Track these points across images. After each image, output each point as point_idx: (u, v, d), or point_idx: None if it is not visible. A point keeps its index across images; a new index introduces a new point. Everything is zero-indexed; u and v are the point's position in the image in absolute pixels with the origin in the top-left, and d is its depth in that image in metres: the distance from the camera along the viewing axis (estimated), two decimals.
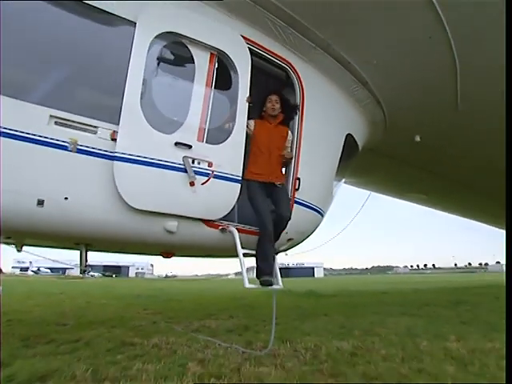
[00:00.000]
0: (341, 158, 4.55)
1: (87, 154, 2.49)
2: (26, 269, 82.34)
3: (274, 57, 3.61)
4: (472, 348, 3.37)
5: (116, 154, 2.54)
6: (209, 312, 6.77)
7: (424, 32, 3.72)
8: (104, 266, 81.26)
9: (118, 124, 2.57)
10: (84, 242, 2.93)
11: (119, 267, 79.43)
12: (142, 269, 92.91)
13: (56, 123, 2.44)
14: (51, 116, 2.42)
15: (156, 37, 2.79)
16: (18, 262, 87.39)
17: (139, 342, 3.90)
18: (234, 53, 3.19)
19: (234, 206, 3.08)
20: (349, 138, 4.63)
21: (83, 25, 2.65)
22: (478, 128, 5.49)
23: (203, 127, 2.90)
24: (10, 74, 2.36)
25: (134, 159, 2.58)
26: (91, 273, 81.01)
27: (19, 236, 2.86)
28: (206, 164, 2.87)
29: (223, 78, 3.12)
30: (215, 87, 3.04)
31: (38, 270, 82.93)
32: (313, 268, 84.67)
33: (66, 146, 2.44)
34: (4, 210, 2.30)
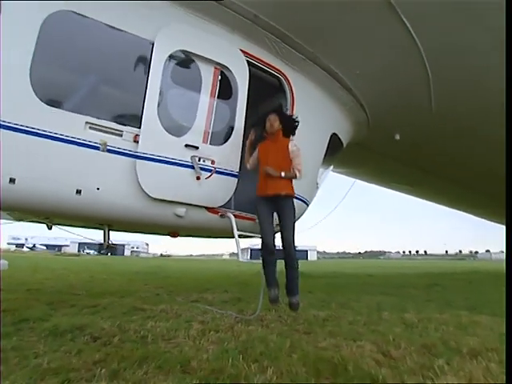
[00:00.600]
0: (326, 153, 5.19)
1: (114, 153, 3.10)
2: (22, 245, 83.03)
3: (269, 67, 4.18)
4: (423, 317, 4.10)
5: (138, 154, 3.15)
6: (206, 287, 7.50)
7: (398, 46, 4.31)
8: (100, 244, 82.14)
9: (139, 128, 3.17)
10: (108, 224, 3.57)
11: (114, 246, 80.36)
12: (137, 248, 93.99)
13: (90, 128, 3.04)
14: (86, 122, 3.02)
15: (170, 54, 3.37)
16: (14, 238, 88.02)
17: (148, 308, 4.59)
18: (233, 66, 3.76)
19: (231, 196, 3.72)
20: (334, 137, 5.25)
21: (113, 45, 3.22)
22: (451, 127, 6.14)
23: (208, 131, 3.51)
24: (56, 87, 2.95)
25: (152, 158, 3.20)
26: (87, 250, 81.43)
27: (59, 218, 3.49)
28: (210, 162, 3.50)
29: (225, 87, 3.71)
30: (218, 96, 3.63)
31: (34, 246, 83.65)
32: (306, 251, 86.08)
33: (98, 147, 3.05)
34: (49, 197, 2.93)
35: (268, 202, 3.50)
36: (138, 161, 3.15)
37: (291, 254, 3.50)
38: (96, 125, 3.05)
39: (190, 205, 3.46)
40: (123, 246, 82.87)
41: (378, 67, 4.63)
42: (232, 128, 3.69)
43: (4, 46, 2.71)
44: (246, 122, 3.79)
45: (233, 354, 2.36)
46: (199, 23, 3.62)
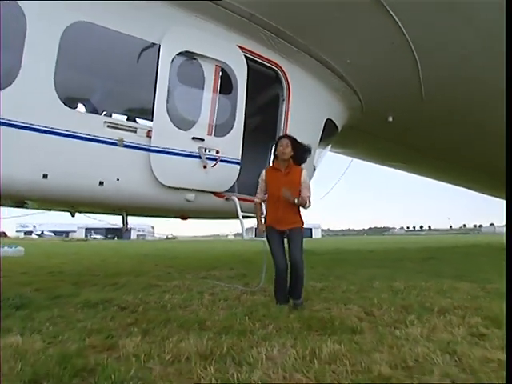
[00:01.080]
0: (322, 137, 5.57)
1: (130, 148, 3.51)
2: (30, 232, 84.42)
3: (265, 60, 4.51)
4: (409, 285, 4.58)
5: (151, 147, 3.56)
6: (213, 265, 8.04)
7: (386, 38, 4.61)
8: (106, 228, 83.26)
9: (151, 125, 3.57)
10: (127, 210, 4.02)
11: (120, 229, 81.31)
12: (143, 231, 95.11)
13: (108, 126, 3.43)
14: (104, 122, 3.41)
15: (175, 55, 3.71)
16: (22, 226, 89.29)
17: (162, 284, 5.10)
18: (232, 62, 4.10)
19: (234, 182, 4.15)
20: (329, 122, 5.62)
21: (124, 50, 3.58)
22: (441, 113, 6.48)
23: (212, 124, 3.90)
24: (76, 91, 3.33)
25: (164, 150, 3.60)
26: (93, 235, 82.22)
27: (84, 206, 3.94)
28: (215, 152, 3.90)
29: (226, 82, 4.06)
30: (220, 91, 4.00)
31: (42, 233, 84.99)
32: (311, 229, 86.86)
33: (116, 143, 3.45)
34: (76, 189, 3.36)
35: (279, 232, 3.49)
36: (152, 154, 3.56)
37: (300, 268, 3.40)
38: (113, 123, 3.45)
39: (199, 191, 3.89)
40: (129, 229, 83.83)
41: (368, 57, 4.94)
42: (234, 120, 4.07)
43: (30, 57, 3.08)
44: (245, 112, 4.16)
45: (240, 316, 2.84)
46: (199, 24, 3.94)
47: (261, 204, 3.71)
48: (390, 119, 6.49)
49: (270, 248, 3.52)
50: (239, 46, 4.20)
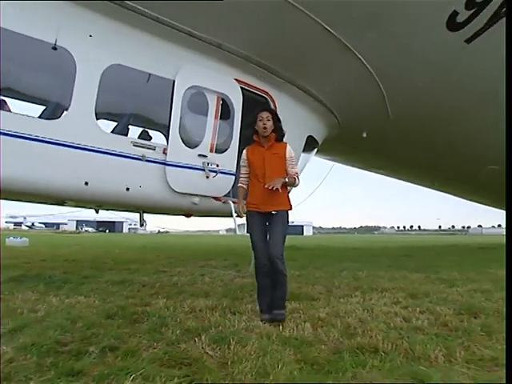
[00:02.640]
0: (304, 150, 6.66)
1: (150, 162, 4.53)
2: (20, 224, 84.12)
3: (257, 90, 5.54)
4: (370, 274, 5.68)
5: (166, 162, 4.58)
6: (209, 257, 9.11)
7: (356, 72, 5.68)
8: (98, 221, 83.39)
9: (167, 144, 4.59)
10: (144, 210, 5.05)
11: (113, 223, 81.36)
12: (134, 224, 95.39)
13: (134, 145, 4.44)
14: (131, 142, 4.43)
15: (186, 89, 4.72)
16: (11, 217, 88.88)
17: (168, 270, 6.16)
18: (230, 93, 5.12)
19: (230, 189, 5.18)
20: (310, 138, 6.69)
21: (148, 85, 4.59)
22: (407, 128, 7.63)
23: (213, 143, 4.93)
24: (111, 118, 4.35)
25: (176, 164, 4.63)
26: (85, 228, 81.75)
27: (113, 207, 4.95)
28: (215, 165, 4.93)
29: (225, 109, 5.09)
30: (220, 117, 5.02)
31: (33, 225, 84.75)
32: (302, 226, 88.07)
33: (140, 158, 4.46)
34: (109, 193, 4.38)
35: (263, 218, 3.10)
36: (167, 167, 4.59)
37: (282, 269, 2.94)
38: (138, 143, 4.47)
39: (202, 196, 4.92)
40: (122, 223, 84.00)
41: (341, 86, 6.00)
42: (231, 139, 5.09)
43: (78, 93, 4.07)
44: (240, 133, 5.19)
45: (234, 289, 3.91)
46: (205, 62, 4.95)
47: (244, 189, 3.35)
48: (364, 135, 7.59)
49: (251, 237, 3.12)
50: (236, 79, 5.22)
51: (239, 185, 3.44)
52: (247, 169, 3.33)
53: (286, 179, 3.08)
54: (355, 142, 8.49)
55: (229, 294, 3.69)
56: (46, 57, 4.24)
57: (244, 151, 3.42)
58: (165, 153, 4.60)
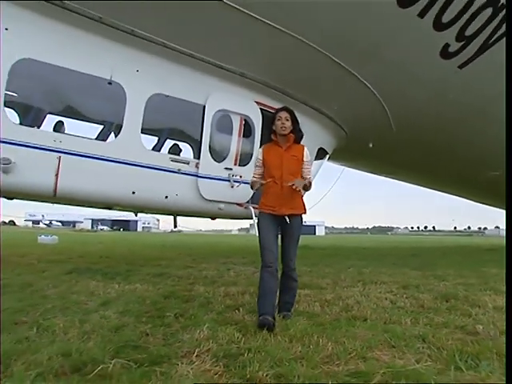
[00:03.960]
0: (316, 159, 7.48)
1: (185, 174, 5.40)
2: (38, 222, 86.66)
3: (274, 109, 6.33)
4: (373, 270, 6.46)
5: (198, 174, 5.45)
6: (227, 255, 9.99)
7: (361, 92, 6.46)
8: (112, 220, 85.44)
9: (199, 160, 5.46)
10: (178, 214, 5.94)
11: (127, 221, 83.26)
12: (148, 223, 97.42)
13: (171, 160, 5.33)
14: (170, 158, 5.32)
15: (215, 112, 5.59)
16: (30, 215, 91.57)
17: (195, 266, 7.04)
18: (251, 114, 5.96)
19: (250, 197, 6.03)
20: (321, 149, 7.50)
21: (184, 110, 5.48)
22: (409, 138, 8.38)
23: (237, 158, 5.78)
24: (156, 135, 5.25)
25: (206, 176, 5.49)
26: (100, 226, 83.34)
27: (153, 212, 5.86)
28: (239, 176, 5.78)
29: (247, 128, 5.93)
30: (243, 135, 5.87)
31: (50, 223, 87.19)
32: (314, 226, 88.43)
33: (176, 171, 5.34)
34: (151, 200, 5.27)
35: (276, 220, 3.02)
36: (199, 178, 5.46)
37: (294, 276, 3.03)
38: (175, 159, 5.36)
39: (227, 202, 5.79)
40: (136, 222, 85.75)
41: (349, 105, 6.81)
42: (251, 154, 5.94)
43: (128, 117, 4.97)
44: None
45: (256, 281, 4.72)
46: (230, 88, 5.81)
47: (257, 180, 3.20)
48: (370, 145, 8.36)
49: (259, 237, 3.03)
50: (256, 102, 6.07)
51: (253, 180, 3.26)
52: (261, 169, 3.20)
53: (306, 181, 3.01)
54: (362, 151, 9.27)
55: (253, 283, 4.51)
56: (102, 89, 5.15)
57: (259, 150, 3.34)
58: (197, 167, 5.48)
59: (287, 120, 3.14)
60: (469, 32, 5.37)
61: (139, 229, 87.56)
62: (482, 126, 8.23)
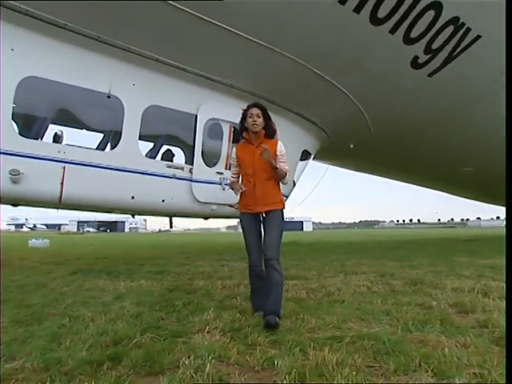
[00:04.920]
0: (300, 160, 8.03)
1: (180, 179, 5.85)
2: (22, 225, 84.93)
3: None
4: (355, 263, 7.03)
5: (192, 179, 5.91)
6: (218, 252, 10.47)
7: (341, 100, 7.02)
8: (98, 221, 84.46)
9: (192, 165, 5.91)
10: (174, 216, 6.39)
11: (114, 223, 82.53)
12: (135, 224, 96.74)
13: (167, 167, 5.77)
14: (165, 164, 5.76)
15: (206, 120, 6.04)
16: (12, 219, 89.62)
17: (190, 263, 7.48)
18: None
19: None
20: (305, 151, 8.04)
21: (178, 120, 5.92)
22: (387, 139, 9.03)
23: (227, 162, 6.25)
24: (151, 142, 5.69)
25: (199, 180, 5.96)
26: (86, 228, 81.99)
27: (150, 214, 6.29)
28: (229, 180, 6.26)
29: (236, 135, 6.40)
30: (232, 141, 6.34)
31: (35, 226, 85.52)
32: (302, 222, 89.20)
33: (171, 176, 5.79)
34: (148, 204, 5.71)
35: (256, 218, 3.07)
36: (193, 183, 5.92)
37: (278, 268, 2.89)
38: (170, 165, 5.80)
39: (219, 204, 6.26)
40: (123, 222, 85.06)
41: (330, 111, 7.37)
42: None
43: (127, 128, 5.38)
44: None
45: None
46: (219, 98, 6.28)
47: (237, 180, 3.29)
48: (352, 146, 8.97)
49: (244, 239, 3.12)
50: (243, 109, 6.53)
51: (230, 181, 3.32)
52: (237, 168, 3.25)
53: (278, 165, 2.96)
54: (345, 151, 9.87)
55: (246, 277, 5.00)
56: (102, 102, 5.54)
57: (233, 149, 3.36)
58: (191, 172, 5.94)
59: (259, 117, 3.09)
60: (435, 46, 5.97)
61: (127, 229, 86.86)
62: (454, 128, 8.92)
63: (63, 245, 16.85)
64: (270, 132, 3.18)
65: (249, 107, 3.19)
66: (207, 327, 2.46)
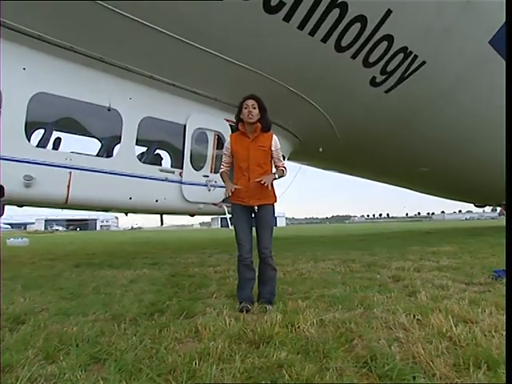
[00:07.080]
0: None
1: (172, 182, 6.67)
2: None
3: None
4: (325, 252, 8.12)
5: (182, 181, 6.74)
6: (200, 247, 11.29)
7: (311, 111, 8.04)
8: (68, 220, 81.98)
9: (182, 169, 6.73)
10: (165, 213, 7.19)
11: (84, 220, 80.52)
12: (106, 221, 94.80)
13: (160, 171, 6.57)
14: (159, 169, 6.55)
15: (194, 130, 6.88)
16: None
17: (178, 256, 8.28)
18: (222, 130, 7.32)
19: (224, 198, 7.41)
20: None
21: (169, 129, 6.72)
22: (352, 143, 10.22)
23: (213, 167, 7.13)
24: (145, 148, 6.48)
25: (188, 182, 6.79)
26: (55, 227, 78.71)
27: (144, 213, 7.05)
28: (214, 182, 7.13)
29: (219, 142, 7.28)
30: (216, 148, 7.21)
31: None
32: (275, 218, 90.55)
33: (164, 179, 6.59)
34: (144, 204, 6.49)
35: (248, 211, 3.09)
36: (182, 185, 6.75)
37: (272, 263, 3.13)
38: (163, 169, 6.61)
39: (205, 203, 7.13)
40: (95, 220, 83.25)
41: (301, 120, 8.40)
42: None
43: (125, 136, 6.13)
44: None
45: (234, 261, 6.16)
46: (206, 110, 7.13)
47: (227, 173, 3.30)
48: (320, 150, 10.08)
49: (234, 230, 3.13)
50: (226, 119, 7.43)
51: (221, 170, 3.31)
52: (230, 158, 3.23)
53: (276, 175, 3.05)
54: (315, 153, 10.98)
55: (233, 264, 5.93)
56: (103, 114, 6.23)
57: (228, 139, 3.32)
58: (181, 175, 6.77)
59: (254, 108, 3.08)
60: (389, 68, 7.09)
61: (98, 227, 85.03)
62: (408, 135, 10.22)
63: (42, 243, 17.00)
64: (265, 125, 3.17)
65: (245, 99, 3.16)
66: (214, 295, 3.37)
